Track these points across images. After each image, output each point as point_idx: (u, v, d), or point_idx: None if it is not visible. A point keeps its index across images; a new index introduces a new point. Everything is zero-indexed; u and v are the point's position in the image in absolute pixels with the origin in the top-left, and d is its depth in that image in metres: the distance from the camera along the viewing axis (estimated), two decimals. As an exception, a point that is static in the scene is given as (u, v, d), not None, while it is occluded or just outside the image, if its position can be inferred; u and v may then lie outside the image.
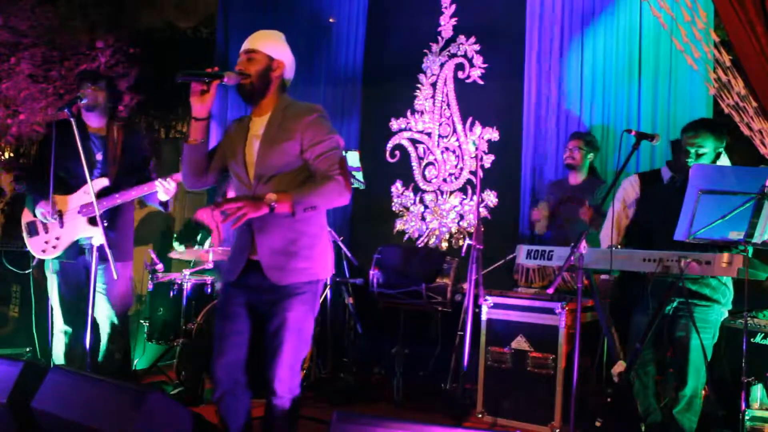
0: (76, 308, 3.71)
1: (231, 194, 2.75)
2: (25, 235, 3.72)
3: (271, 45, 2.65)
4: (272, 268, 2.55)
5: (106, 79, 3.81)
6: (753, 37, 3.51)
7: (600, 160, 4.71)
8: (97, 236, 3.28)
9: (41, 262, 3.77)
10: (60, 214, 3.59)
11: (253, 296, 2.61)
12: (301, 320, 2.57)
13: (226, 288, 2.70)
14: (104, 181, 3.63)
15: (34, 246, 3.68)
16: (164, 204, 3.75)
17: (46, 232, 3.64)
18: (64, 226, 3.60)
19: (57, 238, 3.60)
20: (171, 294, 4.60)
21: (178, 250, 4.91)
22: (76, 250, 3.64)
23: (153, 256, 4.80)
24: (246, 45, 2.67)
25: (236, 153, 2.64)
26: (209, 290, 4.60)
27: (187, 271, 4.70)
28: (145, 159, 3.91)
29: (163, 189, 3.60)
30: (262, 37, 2.68)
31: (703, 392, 3.35)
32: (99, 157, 3.70)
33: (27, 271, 4.05)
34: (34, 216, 3.62)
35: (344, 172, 2.55)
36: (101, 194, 3.57)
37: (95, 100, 3.67)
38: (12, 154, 5.73)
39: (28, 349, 4.97)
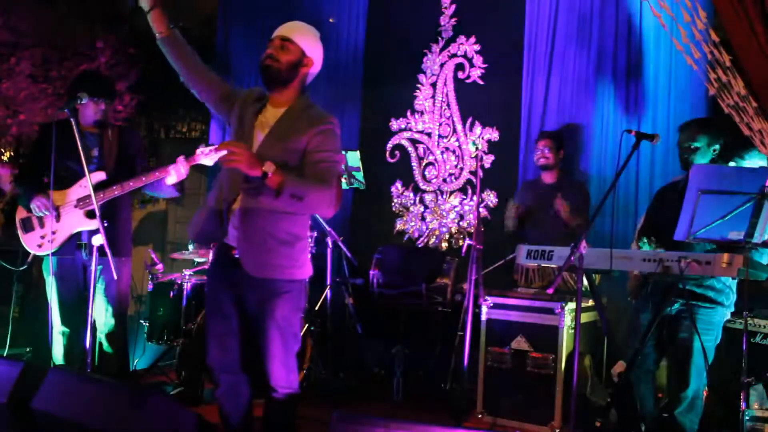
0: (75, 308, 3.71)
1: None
2: (20, 231, 3.72)
3: (307, 40, 2.67)
4: (247, 258, 2.55)
5: (107, 92, 3.80)
6: (753, 37, 3.51)
7: (600, 160, 4.71)
8: (97, 235, 3.27)
9: (38, 260, 3.77)
10: (56, 208, 3.60)
11: (239, 294, 2.63)
12: (288, 318, 2.59)
13: (212, 287, 2.71)
14: (101, 175, 3.63)
15: (29, 242, 3.68)
16: (176, 187, 3.61)
17: (42, 227, 3.64)
18: (61, 220, 3.60)
19: (53, 232, 3.60)
20: (171, 294, 4.60)
21: (190, 251, 4.90)
22: (74, 244, 3.64)
23: (153, 256, 4.80)
24: (282, 31, 2.66)
25: (239, 136, 2.64)
26: (209, 290, 4.59)
27: (187, 271, 4.70)
28: (140, 152, 3.90)
29: (176, 173, 3.47)
30: (300, 29, 2.68)
31: (704, 393, 3.34)
32: (95, 153, 3.71)
33: (22, 268, 4.04)
34: (28, 211, 3.62)
35: (339, 188, 2.56)
36: (98, 188, 3.57)
37: (103, 115, 3.70)
38: (12, 154, 5.73)
39: (28, 349, 4.97)
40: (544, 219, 4.37)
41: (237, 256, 2.58)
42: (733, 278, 3.18)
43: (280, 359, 2.58)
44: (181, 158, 3.46)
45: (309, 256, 2.73)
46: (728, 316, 3.37)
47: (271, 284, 2.56)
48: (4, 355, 4.42)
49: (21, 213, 3.73)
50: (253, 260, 2.55)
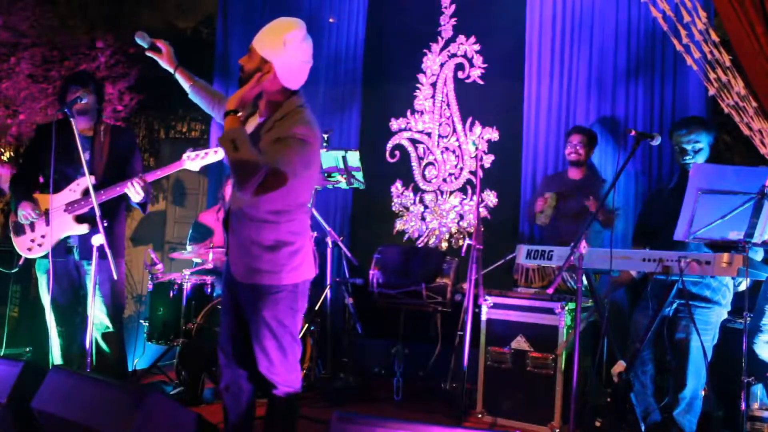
0: (69, 309, 3.71)
1: (229, 189, 2.80)
2: (11, 234, 3.73)
3: (267, 44, 2.52)
4: (235, 263, 2.63)
5: (94, 82, 3.80)
6: (753, 37, 3.51)
7: (600, 160, 4.71)
8: (97, 236, 3.27)
9: (32, 262, 3.77)
10: (46, 213, 3.60)
11: (235, 294, 2.68)
12: (280, 318, 2.60)
13: (222, 282, 2.83)
14: (90, 179, 3.63)
15: (20, 245, 3.69)
16: (141, 205, 3.72)
17: (33, 231, 3.65)
18: (50, 224, 3.60)
19: (42, 236, 3.60)
20: (171, 294, 4.60)
21: (189, 251, 4.90)
22: (63, 248, 3.64)
23: (153, 256, 4.79)
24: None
25: None
26: (209, 290, 4.60)
27: (187, 271, 4.70)
28: (134, 158, 3.89)
29: (132, 191, 3.57)
30: (261, 34, 2.56)
31: (703, 393, 3.34)
32: (86, 156, 3.70)
33: (13, 271, 4.05)
34: (17, 216, 3.63)
35: (271, 181, 2.42)
36: (87, 192, 3.57)
37: (85, 104, 3.67)
38: (12, 154, 5.73)
39: (28, 349, 4.98)
40: (565, 214, 4.36)
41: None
42: (734, 278, 3.18)
43: (277, 359, 2.59)
44: (132, 180, 3.54)
45: (304, 259, 2.66)
46: (725, 316, 3.37)
47: (258, 288, 2.59)
48: (2, 354, 4.42)
49: (13, 215, 3.74)
50: (239, 266, 2.61)
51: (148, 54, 2.94)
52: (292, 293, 2.62)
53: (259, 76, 2.51)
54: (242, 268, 2.60)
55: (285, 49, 2.51)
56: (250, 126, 2.64)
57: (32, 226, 3.65)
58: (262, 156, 2.41)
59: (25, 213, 3.56)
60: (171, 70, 2.94)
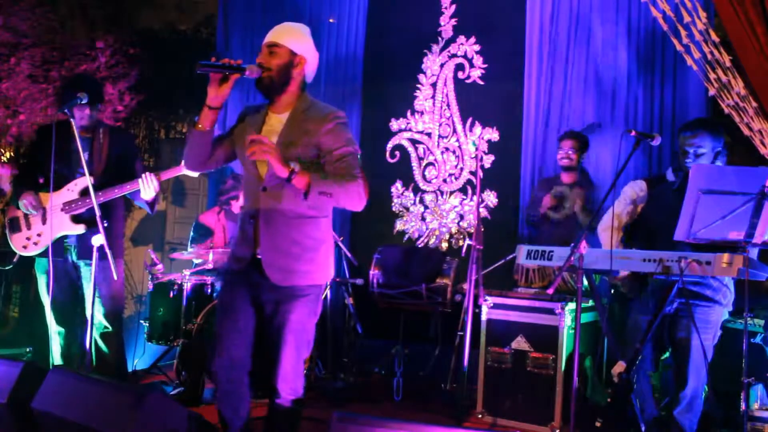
0: (68, 308, 3.71)
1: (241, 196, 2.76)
2: (7, 231, 3.74)
3: (294, 39, 2.62)
4: (272, 266, 2.54)
5: (94, 97, 3.79)
6: (753, 37, 3.51)
7: (600, 160, 4.71)
8: (97, 236, 3.27)
9: (30, 261, 3.77)
10: (43, 211, 3.60)
11: (256, 294, 2.61)
12: (303, 322, 2.57)
13: (228, 284, 2.68)
14: (90, 180, 3.63)
15: (15, 242, 3.70)
16: (150, 204, 3.71)
17: (29, 229, 3.65)
18: (46, 223, 3.61)
19: (38, 235, 3.61)
20: (171, 294, 4.60)
21: (189, 251, 4.90)
22: (60, 248, 3.64)
23: (153, 256, 4.79)
24: (268, 37, 2.63)
25: (244, 148, 2.59)
26: (209, 290, 4.59)
27: (187, 271, 4.70)
28: (133, 158, 3.90)
29: (145, 186, 3.57)
30: (285, 30, 2.64)
31: (703, 394, 3.34)
32: (85, 157, 3.70)
33: (7, 268, 4.05)
34: (18, 208, 3.63)
35: (365, 177, 2.54)
36: (85, 192, 3.57)
37: (90, 120, 3.70)
38: (12, 155, 5.73)
39: (28, 349, 4.98)
40: (558, 217, 4.36)
41: (259, 257, 2.56)
42: (734, 278, 3.18)
43: (291, 364, 2.56)
44: (146, 174, 3.52)
45: (333, 259, 2.71)
46: (726, 315, 3.36)
47: (292, 290, 2.55)
48: (4, 355, 4.42)
49: (10, 213, 3.74)
50: (277, 269, 2.54)
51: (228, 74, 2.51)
52: (317, 296, 2.63)
53: (279, 160, 2.40)
54: (280, 271, 2.53)
55: (310, 40, 2.67)
56: (277, 124, 2.62)
57: (28, 224, 3.65)
58: (340, 173, 2.49)
59: (25, 202, 3.54)
60: (212, 105, 2.56)
